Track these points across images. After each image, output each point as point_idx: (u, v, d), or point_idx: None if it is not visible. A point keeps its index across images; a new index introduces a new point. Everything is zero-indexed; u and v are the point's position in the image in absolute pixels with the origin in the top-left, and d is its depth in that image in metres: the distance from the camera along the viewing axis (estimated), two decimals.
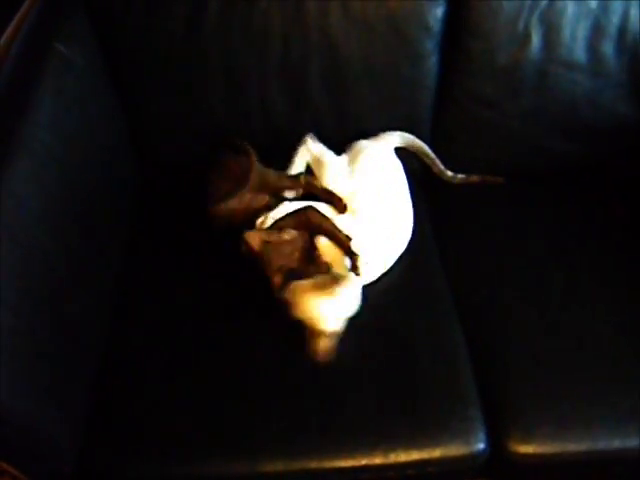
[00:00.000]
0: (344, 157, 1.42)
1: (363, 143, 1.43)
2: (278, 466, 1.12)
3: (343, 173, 1.38)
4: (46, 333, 1.08)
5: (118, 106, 1.43)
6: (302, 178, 1.38)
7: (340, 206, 1.32)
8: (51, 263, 1.12)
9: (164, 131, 1.49)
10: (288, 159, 1.43)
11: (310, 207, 1.29)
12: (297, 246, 1.25)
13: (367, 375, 1.20)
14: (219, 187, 1.34)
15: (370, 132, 1.49)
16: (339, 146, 1.47)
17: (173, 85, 1.42)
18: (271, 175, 1.38)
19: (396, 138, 1.47)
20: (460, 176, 1.53)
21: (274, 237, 1.23)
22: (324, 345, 1.13)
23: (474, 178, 1.53)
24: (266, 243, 1.21)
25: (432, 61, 1.40)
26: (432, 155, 1.51)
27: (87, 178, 1.27)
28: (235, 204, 1.31)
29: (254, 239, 1.21)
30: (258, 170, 1.35)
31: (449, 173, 1.53)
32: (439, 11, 1.35)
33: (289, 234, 1.24)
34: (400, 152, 1.47)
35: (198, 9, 1.32)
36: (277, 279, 1.19)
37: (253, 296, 1.27)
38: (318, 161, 1.40)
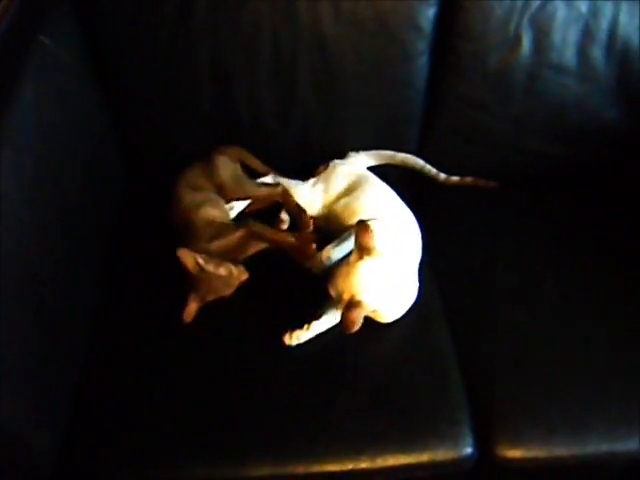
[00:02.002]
0: (313, 181, 1.41)
1: (336, 162, 1.43)
2: (264, 470, 1.10)
3: (315, 198, 1.38)
4: (27, 336, 1.05)
5: (103, 102, 1.40)
6: (280, 188, 1.39)
7: (305, 223, 1.34)
8: (32, 263, 1.09)
9: (150, 128, 1.47)
10: (277, 157, 1.41)
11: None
12: (229, 283, 1.22)
13: (354, 380, 1.19)
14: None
15: (359, 132, 1.48)
16: (326, 145, 1.47)
17: (159, 82, 1.39)
18: (247, 182, 1.38)
19: (368, 158, 1.46)
20: (454, 178, 1.53)
21: (210, 267, 1.19)
22: (357, 316, 1.09)
23: (468, 180, 1.52)
24: (200, 269, 1.19)
25: (422, 62, 1.40)
26: (421, 162, 1.51)
27: (70, 175, 1.24)
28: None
29: (188, 259, 1.18)
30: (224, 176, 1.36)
31: (442, 176, 1.52)
32: (430, 12, 1.34)
33: (226, 269, 1.21)
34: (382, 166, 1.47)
35: (187, 4, 1.30)
36: (192, 305, 1.20)
37: (242, 298, 1.25)
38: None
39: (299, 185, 1.41)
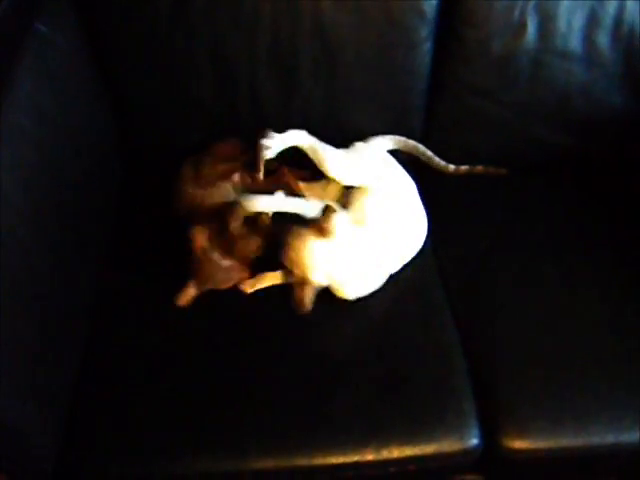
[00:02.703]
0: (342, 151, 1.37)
1: (359, 145, 1.39)
2: (267, 463, 1.09)
3: (345, 164, 1.33)
4: (26, 330, 1.03)
5: (101, 90, 1.38)
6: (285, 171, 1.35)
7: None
8: (30, 257, 1.07)
9: (148, 116, 1.44)
10: None
11: None
12: (229, 277, 1.22)
13: (358, 370, 1.17)
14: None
15: (361, 121, 1.46)
16: (328, 135, 1.44)
17: (158, 69, 1.37)
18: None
19: (387, 141, 1.44)
20: (463, 167, 1.50)
21: (214, 255, 1.19)
22: (308, 295, 1.13)
23: (478, 169, 1.50)
24: (204, 253, 1.19)
25: (426, 49, 1.37)
26: (429, 153, 1.49)
27: (68, 164, 1.22)
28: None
29: (199, 237, 1.18)
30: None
31: (451, 167, 1.50)
32: None
33: (230, 261, 1.21)
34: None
35: None
36: (189, 291, 1.20)
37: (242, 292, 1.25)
38: (314, 150, 1.33)
39: (333, 150, 1.35)
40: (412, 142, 1.47)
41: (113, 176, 1.45)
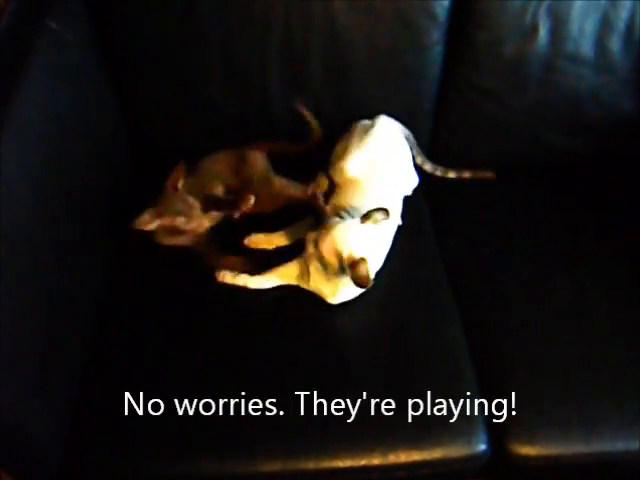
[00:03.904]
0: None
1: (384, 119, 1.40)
2: (275, 466, 1.08)
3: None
4: (32, 329, 1.03)
5: (111, 88, 1.38)
6: (310, 190, 1.31)
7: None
8: (39, 255, 1.07)
9: (158, 115, 1.44)
10: None
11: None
12: (189, 213, 1.23)
13: (366, 374, 1.17)
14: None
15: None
16: (338, 135, 1.44)
17: (169, 68, 1.37)
18: (276, 180, 1.33)
19: (399, 126, 1.43)
20: (451, 175, 1.50)
21: (184, 194, 1.23)
22: (365, 270, 1.12)
23: (466, 175, 1.50)
24: (174, 189, 1.23)
25: (437, 51, 1.37)
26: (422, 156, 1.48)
27: (77, 161, 1.22)
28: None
29: (178, 175, 1.23)
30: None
31: (438, 172, 1.49)
32: (446, 1, 1.31)
33: (193, 200, 1.23)
34: None
35: None
36: (146, 216, 1.19)
37: (251, 292, 1.24)
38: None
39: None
40: (412, 139, 1.46)
41: (122, 174, 1.45)
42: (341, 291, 1.22)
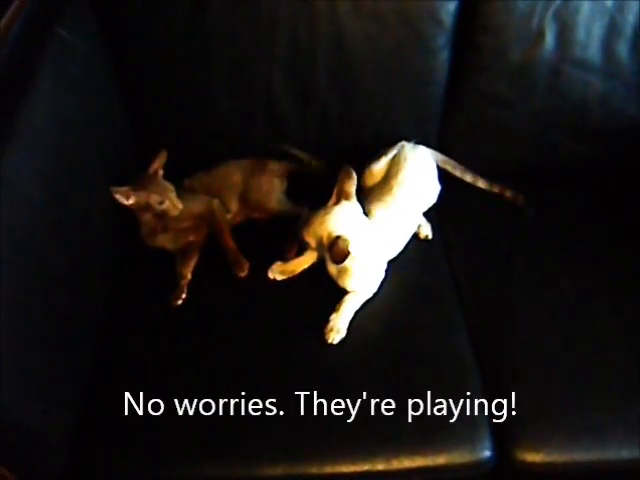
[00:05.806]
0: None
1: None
2: (278, 470, 1.09)
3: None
4: (39, 329, 1.04)
5: (119, 94, 1.39)
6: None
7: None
8: (48, 257, 1.08)
9: (165, 120, 1.45)
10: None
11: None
12: (163, 193, 1.28)
13: (370, 379, 1.17)
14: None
15: (377, 128, 1.46)
16: (344, 141, 1.45)
17: (175, 75, 1.38)
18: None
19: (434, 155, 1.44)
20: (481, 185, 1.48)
21: (161, 179, 1.30)
22: (342, 248, 1.14)
23: (506, 193, 1.47)
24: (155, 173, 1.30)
25: (443, 57, 1.37)
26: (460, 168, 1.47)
27: (86, 166, 1.23)
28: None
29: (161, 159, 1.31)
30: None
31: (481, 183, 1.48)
32: (452, 6, 1.32)
33: (170, 184, 1.30)
34: None
35: None
36: (125, 188, 1.25)
37: (253, 297, 1.25)
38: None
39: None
40: (444, 157, 1.46)
41: (130, 176, 1.44)
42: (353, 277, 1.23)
